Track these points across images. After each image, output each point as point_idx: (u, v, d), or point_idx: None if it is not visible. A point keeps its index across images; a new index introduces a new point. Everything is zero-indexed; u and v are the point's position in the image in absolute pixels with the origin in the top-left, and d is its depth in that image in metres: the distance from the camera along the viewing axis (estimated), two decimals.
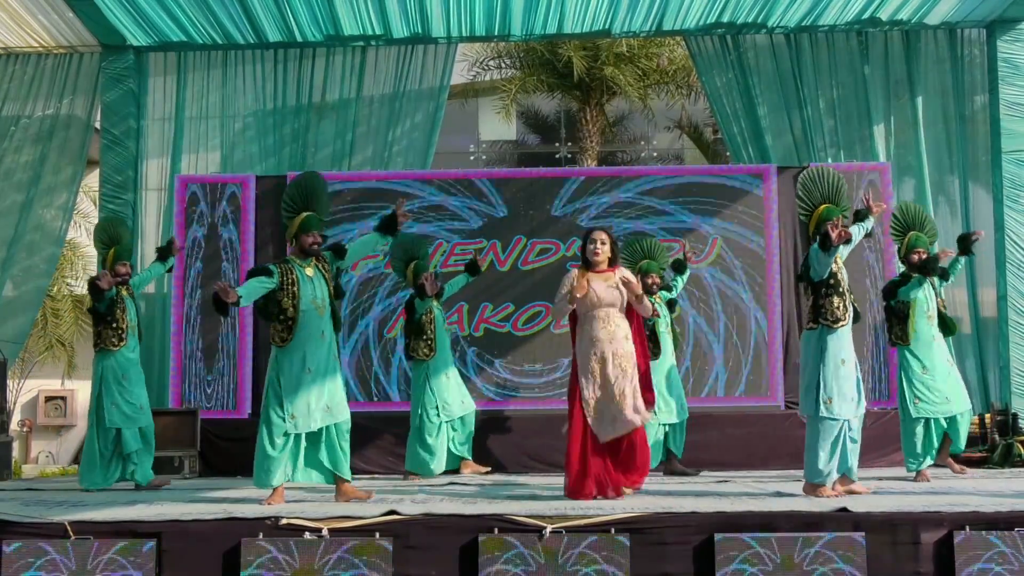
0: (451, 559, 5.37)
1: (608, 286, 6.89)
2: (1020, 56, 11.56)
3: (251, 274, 6.76)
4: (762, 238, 11.18)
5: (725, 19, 11.59)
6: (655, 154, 20.74)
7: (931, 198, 11.47)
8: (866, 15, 11.47)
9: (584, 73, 18.25)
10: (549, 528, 5.32)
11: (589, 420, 6.77)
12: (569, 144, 20.28)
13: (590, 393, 6.81)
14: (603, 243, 7.00)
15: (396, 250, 9.82)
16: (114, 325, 8.59)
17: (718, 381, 10.95)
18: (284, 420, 6.69)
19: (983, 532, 5.28)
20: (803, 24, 11.67)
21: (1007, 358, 11.16)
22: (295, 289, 6.75)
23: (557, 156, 20.40)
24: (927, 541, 5.31)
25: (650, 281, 9.37)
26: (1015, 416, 10.52)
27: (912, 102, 11.78)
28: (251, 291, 6.65)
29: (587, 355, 6.86)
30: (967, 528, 5.30)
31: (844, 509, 5.59)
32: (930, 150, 11.68)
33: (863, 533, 5.28)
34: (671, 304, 9.69)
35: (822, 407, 6.72)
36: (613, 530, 5.33)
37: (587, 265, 7.00)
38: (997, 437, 10.18)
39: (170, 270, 9.59)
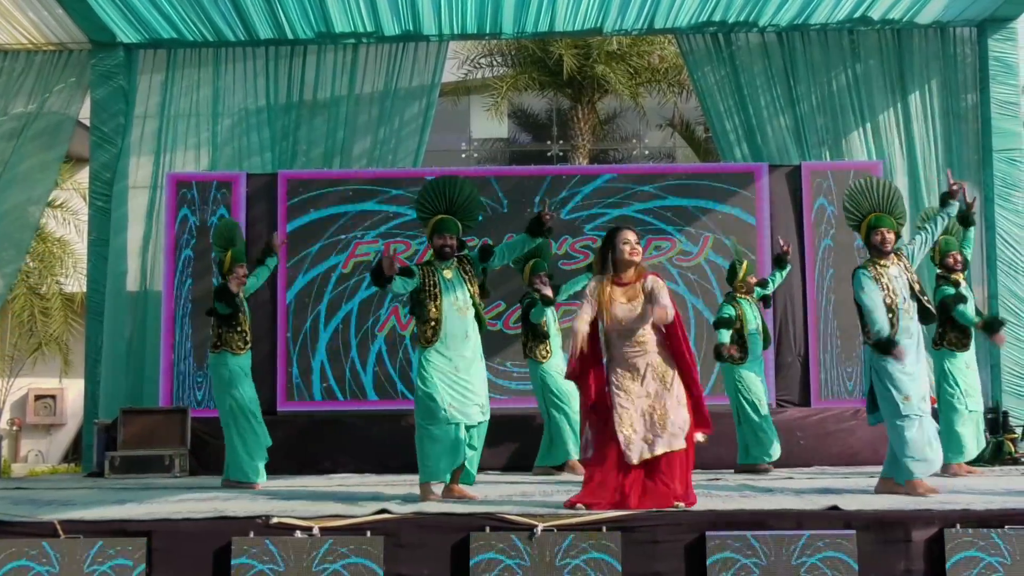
0: (442, 558, 5.35)
1: (631, 307, 6.17)
2: (1011, 55, 11.59)
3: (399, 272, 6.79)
4: (754, 236, 11.16)
5: (716, 18, 11.59)
6: (647, 152, 20.74)
7: (923, 196, 11.48)
8: (857, 14, 11.48)
9: (575, 71, 18.25)
10: (541, 526, 5.31)
11: (620, 437, 6.05)
12: (561, 142, 20.27)
13: (625, 408, 6.10)
14: (637, 243, 6.29)
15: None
16: (239, 329, 8.49)
17: (710, 380, 10.90)
18: (445, 412, 6.72)
19: (974, 530, 5.28)
20: (794, 23, 11.68)
21: (997, 356, 11.18)
22: (436, 291, 6.84)
23: (549, 154, 20.38)
24: (918, 539, 5.31)
25: (752, 281, 9.55)
26: (1005, 414, 10.54)
27: (904, 100, 11.79)
28: (396, 284, 6.76)
29: (622, 372, 6.18)
30: (958, 526, 5.30)
31: (835, 507, 5.60)
32: (921, 148, 11.69)
33: (854, 531, 5.28)
34: (765, 300, 9.73)
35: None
36: (604, 528, 5.32)
37: (614, 269, 6.27)
38: (988, 435, 10.18)
39: (274, 267, 9.18)
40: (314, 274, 11.18)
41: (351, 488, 7.64)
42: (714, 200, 11.25)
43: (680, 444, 6.07)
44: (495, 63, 19.37)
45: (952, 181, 7.28)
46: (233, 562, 5.25)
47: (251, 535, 5.32)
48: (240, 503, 6.45)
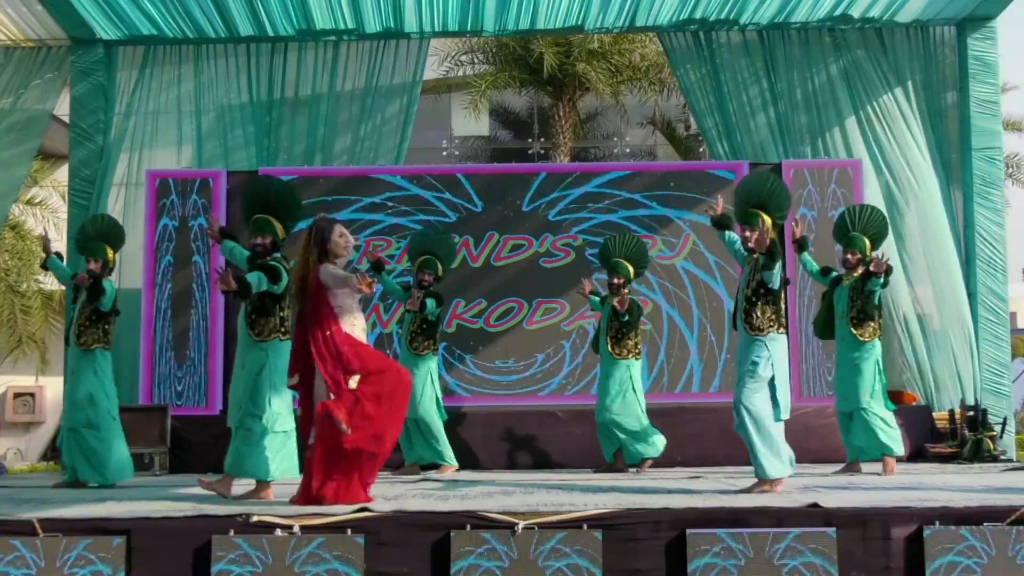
0: (423, 556, 5.34)
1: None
2: (990, 54, 11.64)
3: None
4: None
5: (698, 15, 11.61)
6: (628, 150, 20.77)
7: (904, 194, 11.51)
8: (837, 12, 11.52)
9: (556, 69, 18.25)
10: (521, 524, 5.30)
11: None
12: (542, 140, 20.29)
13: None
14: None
15: (417, 239, 10.00)
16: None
17: (693, 376, 10.95)
18: None
19: (953, 527, 5.30)
20: (775, 21, 11.72)
21: (979, 354, 11.22)
22: None
23: (530, 152, 20.40)
24: (897, 536, 5.32)
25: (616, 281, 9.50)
26: (984, 412, 10.58)
27: (884, 99, 11.82)
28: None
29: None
30: (937, 523, 5.31)
31: (815, 504, 5.61)
32: (902, 147, 11.71)
33: (834, 528, 5.29)
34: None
35: None
36: (585, 526, 5.31)
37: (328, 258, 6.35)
38: (967, 432, 10.24)
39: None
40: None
41: None
42: (695, 197, 11.24)
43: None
44: (476, 60, 19.37)
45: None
46: (213, 561, 5.24)
47: (231, 533, 5.29)
48: (220, 502, 6.43)
